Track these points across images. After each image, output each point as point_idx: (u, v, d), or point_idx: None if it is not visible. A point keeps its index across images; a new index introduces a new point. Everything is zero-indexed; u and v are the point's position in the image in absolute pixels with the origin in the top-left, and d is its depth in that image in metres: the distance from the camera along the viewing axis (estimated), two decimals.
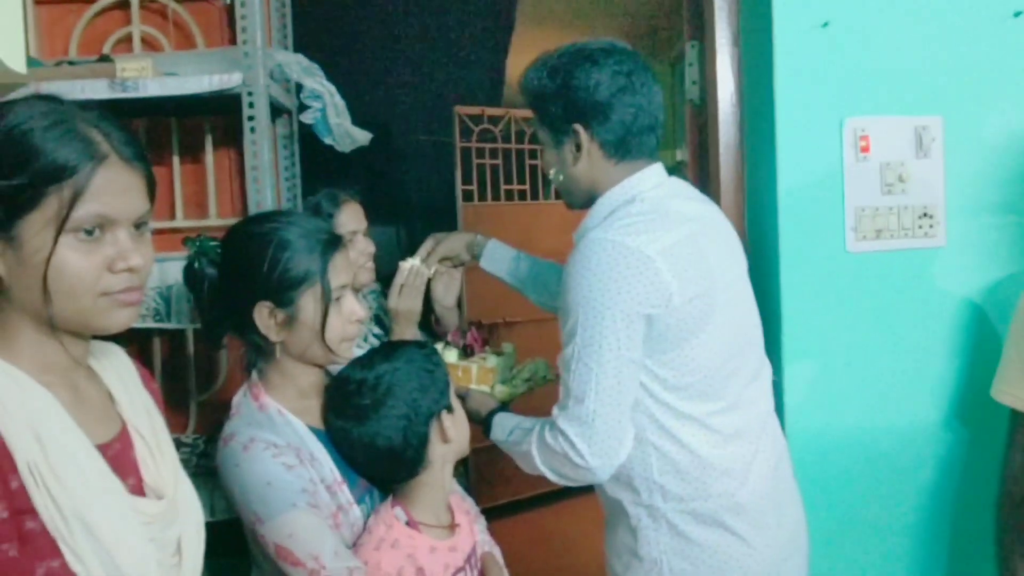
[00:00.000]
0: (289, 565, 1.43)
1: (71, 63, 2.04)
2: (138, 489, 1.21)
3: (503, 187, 5.32)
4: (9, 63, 1.63)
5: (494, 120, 5.21)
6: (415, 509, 1.54)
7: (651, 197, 1.76)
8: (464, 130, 5.07)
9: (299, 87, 2.11)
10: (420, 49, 4.11)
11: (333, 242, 1.58)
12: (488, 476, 5.10)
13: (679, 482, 1.73)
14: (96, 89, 1.87)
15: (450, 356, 2.10)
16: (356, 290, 2.26)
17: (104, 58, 2.04)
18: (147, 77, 1.88)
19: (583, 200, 1.85)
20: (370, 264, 2.26)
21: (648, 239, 1.66)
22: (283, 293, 1.52)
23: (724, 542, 1.73)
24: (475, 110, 5.14)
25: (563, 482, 1.75)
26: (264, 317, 1.53)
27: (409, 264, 2.12)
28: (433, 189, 5.27)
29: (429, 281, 2.18)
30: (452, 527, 1.59)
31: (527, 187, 5.44)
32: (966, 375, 2.17)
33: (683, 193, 1.85)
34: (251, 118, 1.89)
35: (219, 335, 1.68)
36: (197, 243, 1.65)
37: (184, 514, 1.27)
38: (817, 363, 2.16)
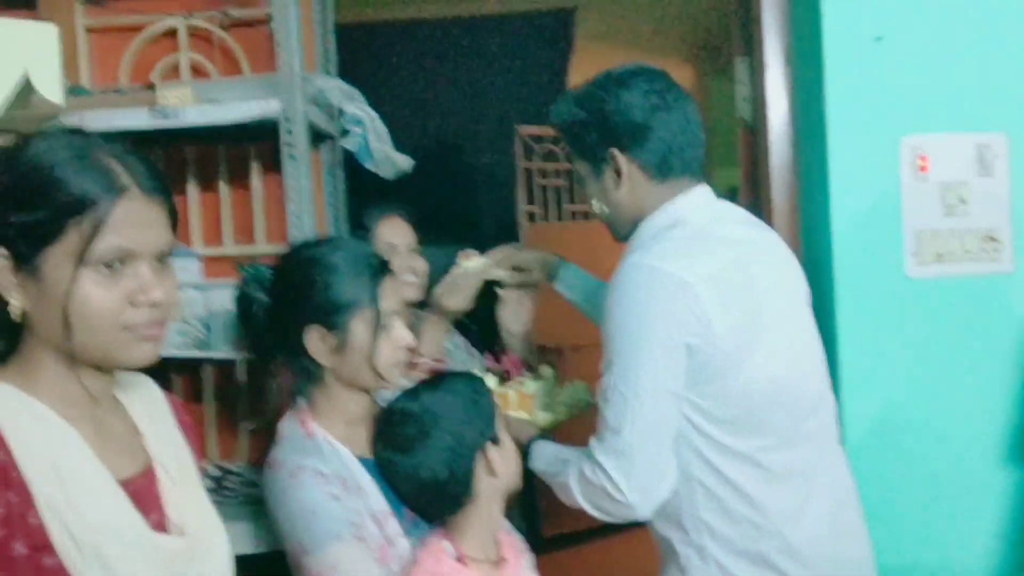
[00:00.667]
0: None
1: (117, 91, 2.07)
2: (160, 525, 1.19)
3: (566, 207, 5.28)
4: (46, 94, 1.66)
5: (557, 140, 5.18)
6: (463, 543, 1.52)
7: (695, 220, 1.69)
8: (526, 150, 5.05)
9: (341, 112, 2.10)
10: (480, 71, 4.11)
11: (382, 267, 1.59)
12: (556, 504, 5.04)
13: (727, 521, 1.64)
14: (137, 117, 1.89)
15: (488, 382, 2.05)
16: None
17: (149, 87, 2.06)
18: (187, 105, 1.89)
19: (630, 228, 1.76)
20: (416, 281, 2.24)
21: (687, 263, 1.60)
22: (334, 316, 1.53)
23: None
24: (537, 130, 5.11)
25: (604, 518, 1.68)
26: (315, 341, 1.53)
27: (473, 262, 2.05)
28: (496, 210, 5.26)
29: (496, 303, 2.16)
30: (500, 562, 1.56)
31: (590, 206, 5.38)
32: None
33: (731, 216, 1.77)
34: (289, 144, 1.89)
35: (269, 361, 1.68)
36: (251, 269, 1.66)
37: (208, 551, 1.25)
38: (877, 394, 2.07)
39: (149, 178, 1.14)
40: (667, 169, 1.70)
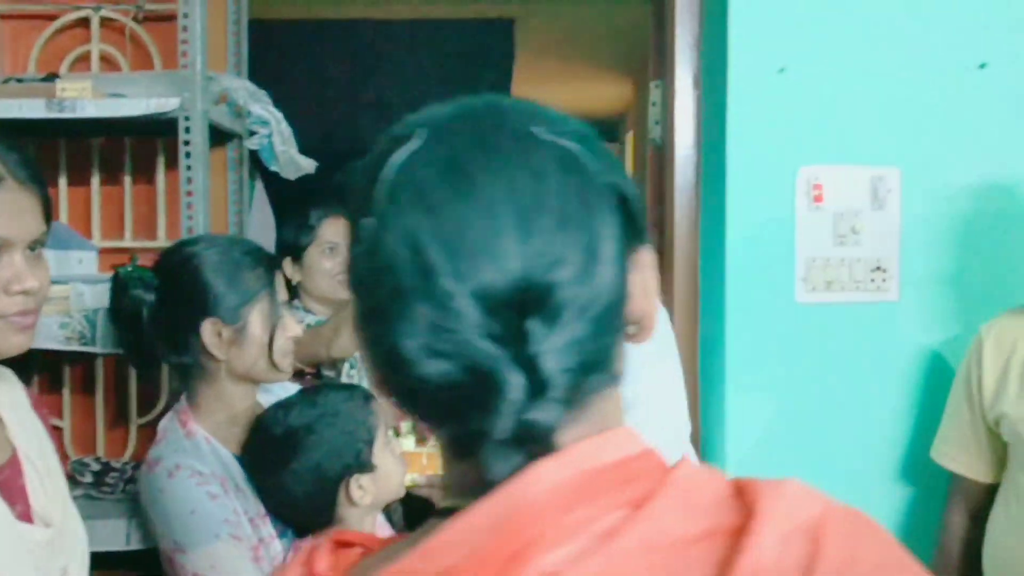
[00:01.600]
0: None
1: (19, 80, 2.04)
2: (26, 516, 1.19)
3: None
4: None
5: None
6: None
7: None
8: None
9: (247, 112, 2.10)
10: (419, 74, 4.12)
11: (274, 260, 1.60)
12: None
13: None
14: (34, 108, 1.87)
15: (405, 445, 2.04)
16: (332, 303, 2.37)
17: (49, 76, 2.04)
18: (87, 98, 1.88)
19: None
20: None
21: None
22: (232, 309, 1.52)
23: None
24: None
25: None
26: (210, 335, 1.51)
27: None
28: None
29: None
30: None
31: None
32: (912, 434, 2.10)
33: None
34: (187, 143, 1.88)
35: (158, 360, 1.67)
36: (129, 270, 1.64)
37: (71, 544, 1.25)
38: (760, 413, 2.11)
39: (22, 167, 1.13)
40: None
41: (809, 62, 2.09)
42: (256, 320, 1.54)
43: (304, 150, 2.19)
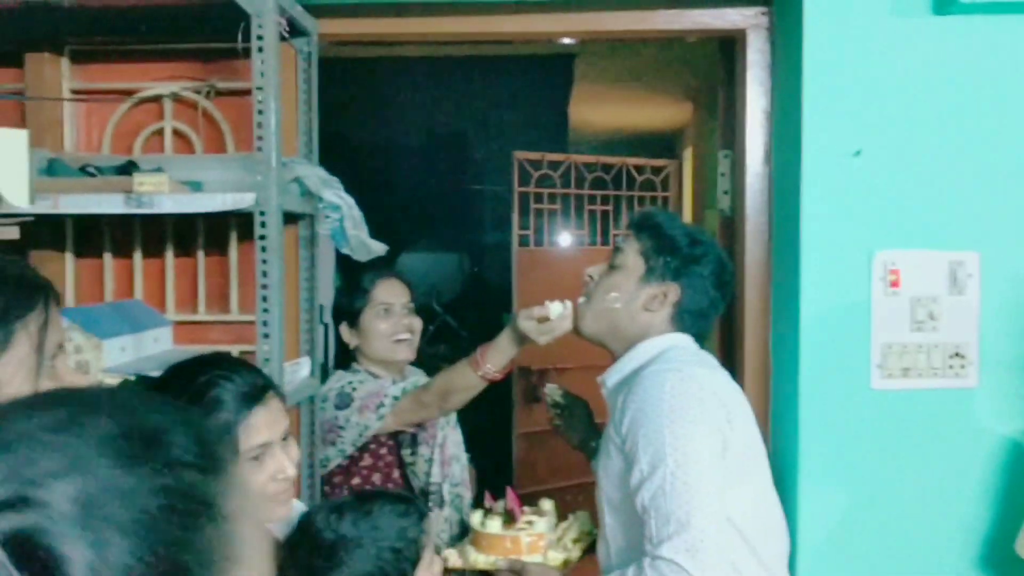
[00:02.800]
0: None
1: (97, 168, 2.07)
2: None
3: (561, 232, 5.30)
4: (13, 200, 1.68)
5: (554, 166, 5.18)
6: None
7: (688, 347, 1.91)
8: (522, 174, 5.06)
9: (319, 199, 2.11)
10: (489, 105, 4.14)
11: (254, 396, 1.44)
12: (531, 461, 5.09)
13: None
14: (112, 204, 1.90)
15: (493, 526, 2.04)
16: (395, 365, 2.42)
17: (129, 164, 2.07)
18: (163, 192, 1.90)
19: (607, 335, 1.97)
20: (410, 338, 2.42)
21: (707, 373, 1.82)
22: None
23: None
24: (535, 155, 5.12)
25: None
26: None
27: (560, 308, 2.06)
28: (493, 232, 5.28)
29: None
30: None
31: (585, 231, 5.41)
32: (994, 526, 2.06)
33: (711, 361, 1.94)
34: (262, 237, 1.90)
35: None
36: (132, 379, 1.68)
37: None
38: (836, 504, 2.08)
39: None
40: (690, 324, 1.92)
41: (885, 145, 2.05)
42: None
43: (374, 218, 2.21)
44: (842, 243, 2.07)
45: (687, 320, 1.91)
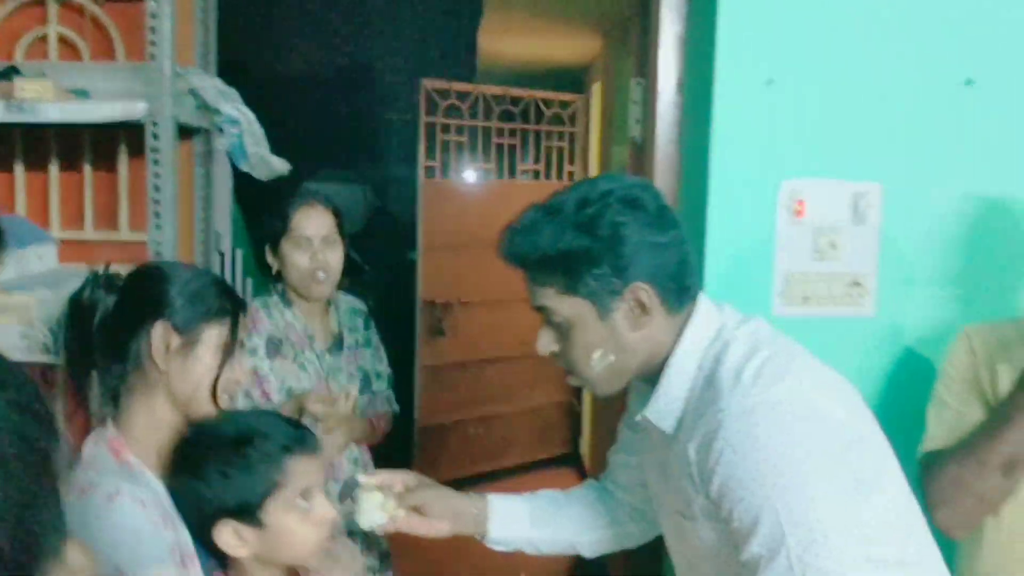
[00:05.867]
0: None
1: None
2: None
3: (467, 164, 5.25)
4: None
5: (462, 96, 5.11)
6: None
7: (755, 335, 1.43)
8: (430, 105, 4.97)
9: (216, 111, 2.01)
10: (389, 24, 4.01)
11: (242, 304, 1.52)
12: (432, 455, 5.10)
13: None
14: None
15: None
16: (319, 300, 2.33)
17: (10, 70, 1.93)
18: (48, 99, 1.78)
19: (632, 376, 1.47)
20: (325, 278, 2.29)
21: (794, 379, 1.34)
22: (188, 320, 1.45)
23: None
24: (442, 84, 5.03)
25: None
26: (159, 339, 1.43)
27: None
28: (398, 163, 5.19)
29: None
30: None
31: (492, 165, 5.36)
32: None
33: (754, 320, 1.49)
34: (154, 149, 1.80)
35: (92, 368, 1.52)
36: (101, 273, 1.57)
37: None
38: None
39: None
40: (685, 296, 1.44)
41: (796, 74, 2.05)
42: (209, 341, 1.46)
43: (274, 147, 2.12)
44: (750, 172, 2.07)
45: (685, 294, 1.44)
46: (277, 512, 1.39)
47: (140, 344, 1.44)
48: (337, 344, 2.38)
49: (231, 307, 1.50)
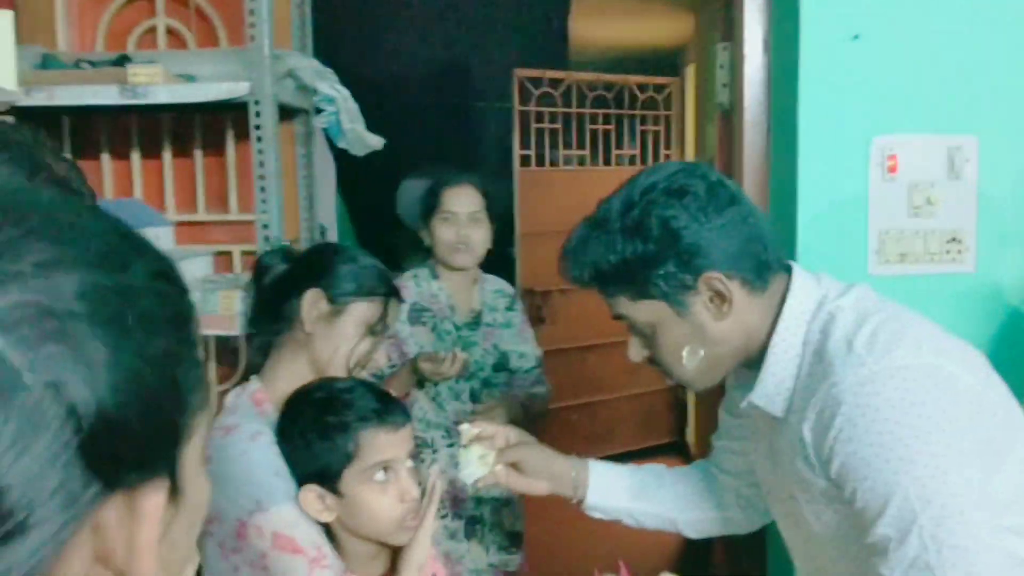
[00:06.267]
0: (288, 553, 1.41)
1: (91, 63, 2.07)
2: None
3: (562, 152, 5.27)
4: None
5: (555, 83, 5.14)
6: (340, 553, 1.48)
7: (861, 301, 1.33)
8: (524, 93, 5.02)
9: (314, 91, 2.10)
10: (480, 13, 4.08)
11: (398, 295, 1.63)
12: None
13: None
14: (108, 95, 1.90)
15: None
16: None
17: (122, 58, 2.06)
18: (158, 83, 1.90)
19: (732, 365, 1.40)
20: (464, 249, 2.41)
21: (911, 343, 1.24)
22: (341, 290, 1.58)
23: None
24: (535, 72, 5.07)
25: None
26: (310, 303, 1.56)
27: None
28: (490, 153, 5.25)
29: None
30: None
31: (587, 152, 5.38)
32: None
33: (861, 286, 1.39)
34: (257, 127, 1.90)
35: (259, 330, 1.69)
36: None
37: None
38: None
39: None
40: (767, 271, 1.33)
41: (883, 29, 2.03)
42: (356, 314, 1.59)
43: (371, 124, 2.19)
44: (840, 130, 2.06)
45: (766, 270, 1.33)
46: (353, 483, 1.40)
47: (295, 307, 1.57)
48: (476, 319, 2.50)
49: (383, 291, 1.61)
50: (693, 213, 1.28)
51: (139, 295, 0.47)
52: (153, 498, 0.46)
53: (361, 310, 1.59)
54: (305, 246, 2.36)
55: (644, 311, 1.33)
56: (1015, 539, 1.22)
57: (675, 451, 5.73)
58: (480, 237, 2.45)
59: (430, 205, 2.45)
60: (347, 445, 1.39)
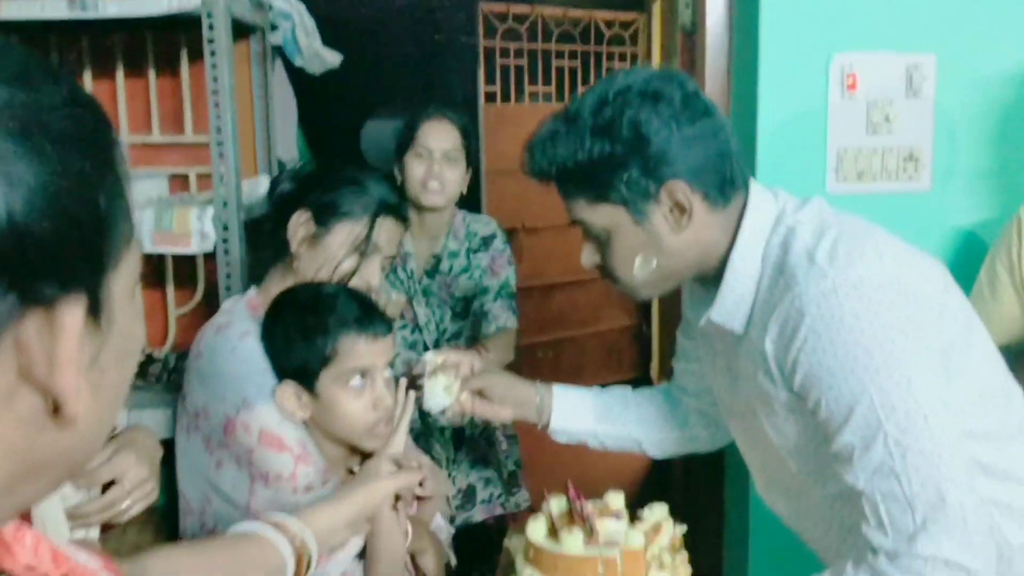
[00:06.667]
0: (274, 450, 1.43)
1: None
2: None
3: (528, 89, 5.23)
4: None
5: (520, 19, 5.08)
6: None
7: (819, 215, 1.32)
8: (488, 28, 4.96)
9: (269, 6, 2.06)
10: None
11: (390, 209, 1.62)
12: None
13: None
14: (56, 9, 1.85)
15: (573, 544, 1.37)
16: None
17: None
18: None
19: (683, 278, 1.41)
20: (438, 188, 2.27)
21: (873, 252, 1.24)
22: (325, 211, 1.61)
23: None
24: (500, 7, 5.01)
25: None
26: (295, 223, 1.60)
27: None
28: (455, 90, 5.19)
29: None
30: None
31: (553, 88, 5.34)
32: None
33: (815, 202, 1.37)
34: (211, 40, 1.86)
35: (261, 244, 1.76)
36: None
37: None
38: None
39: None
40: (731, 188, 1.32)
41: None
42: (340, 234, 1.60)
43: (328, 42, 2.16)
44: (800, 48, 2.06)
45: (725, 188, 1.31)
46: (329, 385, 1.42)
47: (284, 226, 1.61)
48: (435, 267, 2.38)
49: (370, 213, 1.62)
50: (665, 119, 1.25)
51: (54, 112, 0.47)
52: (71, 313, 0.47)
53: (346, 231, 1.61)
54: (263, 172, 2.34)
55: (602, 216, 1.30)
56: (973, 444, 1.24)
57: (640, 386, 5.77)
58: (454, 176, 2.31)
59: (405, 140, 2.31)
60: (325, 347, 1.41)
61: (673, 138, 1.25)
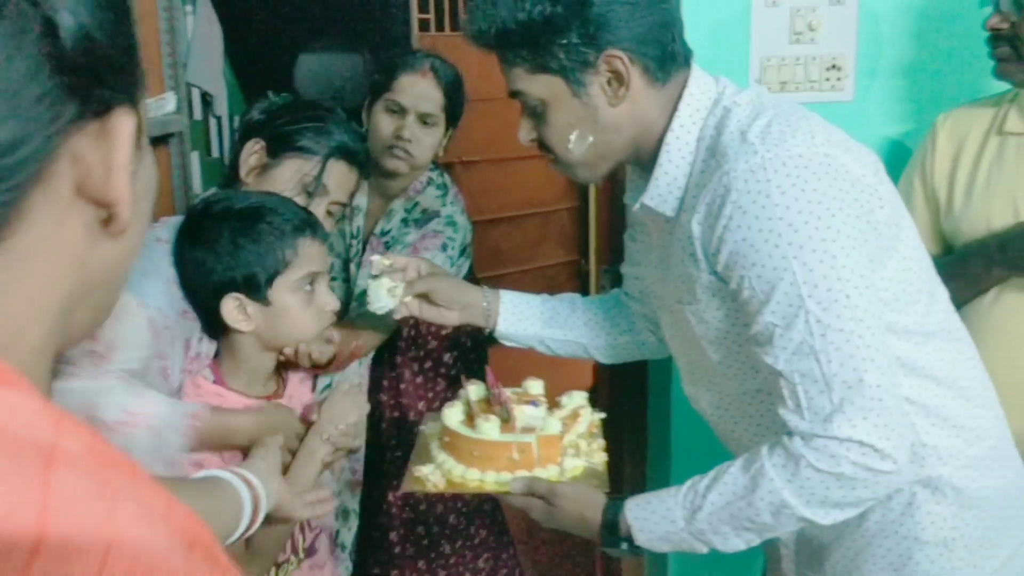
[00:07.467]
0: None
1: None
2: None
3: (464, 15, 5.13)
4: None
5: None
6: (224, 372, 1.45)
7: (758, 99, 1.30)
8: None
9: None
10: None
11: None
12: None
13: (951, 431, 1.32)
14: None
15: (489, 430, 1.41)
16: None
17: None
18: None
19: (620, 158, 1.36)
20: (404, 157, 1.96)
21: (804, 133, 1.21)
22: (276, 138, 1.61)
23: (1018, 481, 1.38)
24: None
25: (842, 515, 1.22)
26: (250, 147, 1.62)
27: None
28: (386, 17, 5.06)
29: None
30: (274, 397, 1.49)
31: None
32: None
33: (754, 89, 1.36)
34: None
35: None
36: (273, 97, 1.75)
37: None
38: None
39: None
40: (672, 63, 1.30)
41: None
42: (289, 169, 1.58)
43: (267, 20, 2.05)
44: None
45: (666, 62, 1.29)
46: (282, 291, 1.39)
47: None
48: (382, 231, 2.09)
49: (324, 154, 1.58)
50: None
51: None
52: (125, 122, 0.49)
53: (296, 166, 1.57)
54: (170, 90, 2.25)
55: (539, 86, 1.28)
56: (893, 338, 1.23)
57: None
58: (428, 142, 1.97)
59: (378, 86, 1.98)
60: (283, 252, 1.38)
61: (615, 3, 1.23)
